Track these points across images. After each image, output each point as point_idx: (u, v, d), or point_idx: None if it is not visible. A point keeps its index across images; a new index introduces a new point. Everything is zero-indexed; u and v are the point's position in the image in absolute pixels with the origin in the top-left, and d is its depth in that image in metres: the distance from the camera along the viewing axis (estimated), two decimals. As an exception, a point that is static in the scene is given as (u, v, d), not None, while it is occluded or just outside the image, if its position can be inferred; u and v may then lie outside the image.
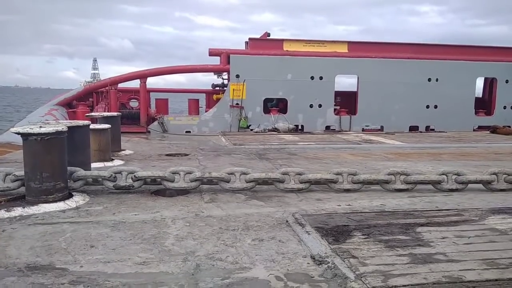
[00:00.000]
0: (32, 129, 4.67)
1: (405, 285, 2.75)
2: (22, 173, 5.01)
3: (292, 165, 7.54)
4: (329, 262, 3.10)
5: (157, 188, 5.40)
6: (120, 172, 5.32)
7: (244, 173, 5.39)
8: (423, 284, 2.77)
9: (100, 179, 5.28)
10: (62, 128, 4.83)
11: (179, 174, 5.30)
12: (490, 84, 17.25)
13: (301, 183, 5.42)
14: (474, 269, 3.00)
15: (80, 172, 5.22)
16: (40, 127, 4.79)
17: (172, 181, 5.25)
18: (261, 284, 2.85)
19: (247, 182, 5.34)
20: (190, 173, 5.33)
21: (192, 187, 5.28)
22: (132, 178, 5.28)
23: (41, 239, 3.66)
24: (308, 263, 3.17)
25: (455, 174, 5.57)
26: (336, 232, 3.80)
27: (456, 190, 5.49)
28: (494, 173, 5.61)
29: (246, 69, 14.83)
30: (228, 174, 5.36)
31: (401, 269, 3.00)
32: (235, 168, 5.57)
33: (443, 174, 5.56)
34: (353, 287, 2.73)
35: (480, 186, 5.61)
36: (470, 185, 5.58)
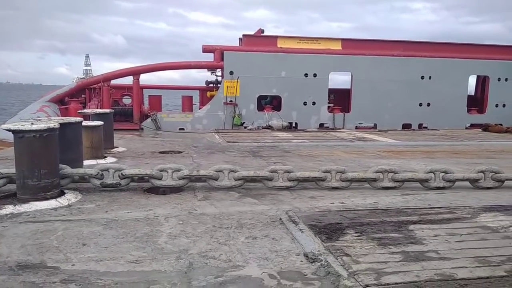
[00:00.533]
0: (24, 125, 4.63)
1: (397, 283, 2.76)
2: (7, 170, 4.97)
3: (285, 163, 7.55)
4: (322, 260, 3.11)
5: (150, 186, 5.37)
6: (107, 170, 5.26)
7: (233, 171, 5.36)
8: (415, 281, 2.78)
9: (87, 177, 5.20)
10: (54, 125, 4.79)
11: (167, 172, 5.24)
12: (482, 82, 17.38)
13: (289, 181, 5.41)
14: (466, 267, 3.02)
15: (67, 169, 5.13)
16: (32, 123, 4.74)
17: (160, 179, 5.20)
18: (254, 282, 2.84)
19: (235, 180, 5.31)
20: (178, 170, 5.27)
21: (180, 185, 5.23)
22: (119, 176, 5.22)
23: (32, 237, 3.62)
24: (301, 261, 3.17)
25: (442, 172, 5.59)
26: (329, 230, 3.80)
27: (443, 188, 5.51)
28: (482, 171, 5.64)
29: (240, 66, 14.80)
30: (217, 172, 5.32)
31: (393, 266, 3.02)
32: (223, 165, 5.52)
33: (430, 172, 5.58)
34: (346, 285, 2.74)
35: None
36: (462, 183, 5.62)
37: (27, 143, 4.58)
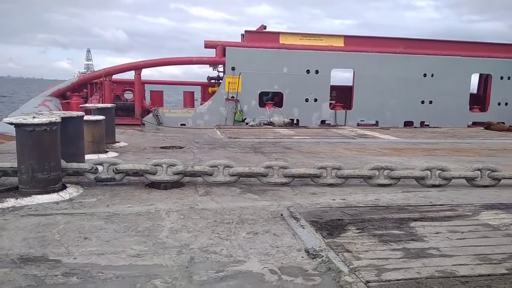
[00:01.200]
0: (26, 119, 4.62)
1: (398, 280, 2.76)
2: (2, 164, 4.98)
3: (286, 159, 7.55)
4: (323, 256, 3.11)
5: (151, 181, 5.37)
6: (101, 164, 5.25)
7: (228, 167, 5.34)
8: (416, 278, 2.79)
9: (81, 171, 5.19)
10: (56, 119, 4.79)
11: (162, 167, 5.21)
12: (485, 80, 17.33)
13: (285, 177, 5.39)
14: (467, 264, 3.02)
15: (61, 163, 5.10)
16: (34, 117, 4.74)
17: (154, 174, 5.18)
18: (255, 277, 2.85)
19: (230, 176, 5.30)
20: (173, 165, 5.23)
21: (174, 180, 5.20)
22: (113, 171, 5.20)
23: (34, 230, 3.64)
24: (302, 257, 3.17)
25: (439, 170, 5.56)
26: (330, 226, 3.81)
27: (440, 185, 5.50)
28: (478, 169, 5.62)
29: (242, 61, 14.77)
30: (211, 167, 5.30)
31: (394, 263, 3.02)
32: (218, 161, 5.49)
33: (427, 169, 5.55)
34: (347, 281, 2.74)
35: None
36: (463, 181, 5.61)
37: (37, 137, 4.59)
